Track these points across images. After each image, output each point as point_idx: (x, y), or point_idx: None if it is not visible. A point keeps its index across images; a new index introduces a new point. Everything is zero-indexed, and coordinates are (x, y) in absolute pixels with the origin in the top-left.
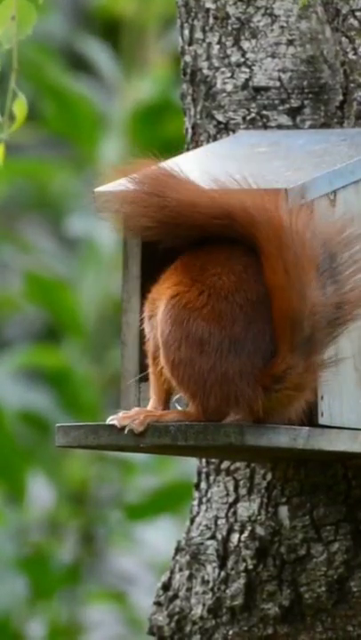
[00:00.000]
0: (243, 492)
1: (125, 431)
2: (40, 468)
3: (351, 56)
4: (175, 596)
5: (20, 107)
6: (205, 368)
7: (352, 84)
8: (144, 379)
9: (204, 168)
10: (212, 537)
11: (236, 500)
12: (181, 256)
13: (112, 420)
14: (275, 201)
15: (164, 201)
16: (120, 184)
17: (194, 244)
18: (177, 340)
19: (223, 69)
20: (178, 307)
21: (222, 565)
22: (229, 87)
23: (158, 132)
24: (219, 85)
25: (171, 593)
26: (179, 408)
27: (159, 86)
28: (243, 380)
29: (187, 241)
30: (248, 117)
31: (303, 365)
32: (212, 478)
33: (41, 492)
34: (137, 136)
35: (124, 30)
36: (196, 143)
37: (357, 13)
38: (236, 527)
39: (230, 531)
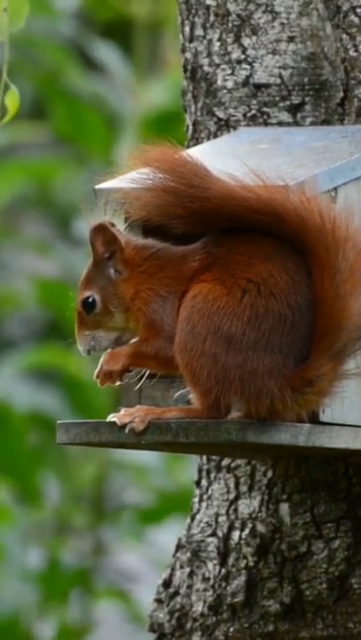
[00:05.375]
0: (243, 489)
1: (126, 430)
2: (50, 469)
3: (352, 53)
4: (176, 593)
5: (12, 99)
6: (230, 364)
7: (353, 81)
8: (145, 376)
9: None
10: (213, 534)
11: (237, 498)
12: (216, 242)
13: (113, 417)
14: (327, 206)
15: (205, 192)
16: (142, 174)
17: (219, 231)
18: (203, 334)
19: (224, 66)
20: (212, 303)
21: (223, 562)
22: (230, 84)
23: (170, 136)
24: (219, 82)
25: (171, 590)
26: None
27: (172, 91)
28: (271, 379)
29: (213, 230)
30: (249, 114)
31: (333, 374)
32: (212, 475)
33: (51, 493)
34: (147, 139)
35: (137, 31)
36: (196, 140)
37: (358, 10)
38: (237, 524)
39: (231, 528)
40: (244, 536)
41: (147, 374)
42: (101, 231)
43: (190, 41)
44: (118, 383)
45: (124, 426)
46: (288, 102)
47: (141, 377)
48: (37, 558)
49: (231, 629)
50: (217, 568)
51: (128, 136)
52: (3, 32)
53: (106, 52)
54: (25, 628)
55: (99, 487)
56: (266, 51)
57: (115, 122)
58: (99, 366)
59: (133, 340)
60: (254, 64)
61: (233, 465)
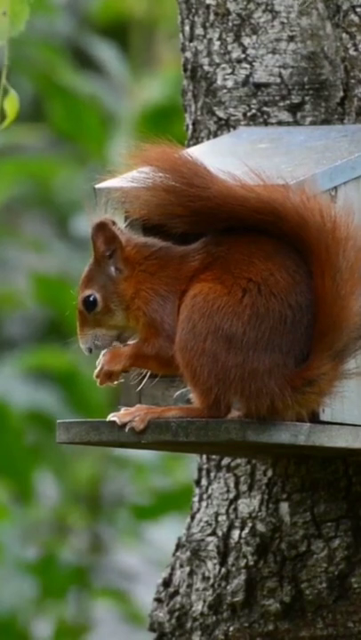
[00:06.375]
0: (243, 488)
1: (126, 429)
2: (48, 467)
3: (352, 52)
4: (176, 593)
5: (11, 103)
6: (230, 364)
7: (353, 81)
8: (146, 377)
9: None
10: (213, 533)
11: (237, 497)
12: (216, 242)
13: (113, 416)
14: (327, 205)
15: (205, 192)
16: (142, 172)
17: (218, 230)
18: (203, 333)
19: (224, 65)
20: (213, 302)
21: (223, 562)
22: (230, 83)
23: (166, 134)
24: (219, 82)
25: (171, 589)
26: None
27: (169, 88)
28: (271, 378)
29: (213, 229)
30: (249, 114)
31: (333, 373)
32: (212, 475)
33: (49, 492)
34: (145, 136)
35: (133, 30)
36: (196, 140)
37: (358, 9)
38: (237, 523)
39: (231, 527)
40: (243, 535)
41: (147, 375)
42: (102, 229)
43: (190, 40)
44: (116, 383)
45: (124, 425)
46: (288, 102)
47: (142, 378)
48: (35, 557)
49: (231, 629)
50: (217, 567)
51: (124, 134)
52: (2, 36)
53: (103, 50)
54: (22, 626)
55: (97, 485)
56: (266, 50)
57: (111, 120)
58: (99, 366)
59: (134, 341)
60: (254, 63)
61: (233, 464)
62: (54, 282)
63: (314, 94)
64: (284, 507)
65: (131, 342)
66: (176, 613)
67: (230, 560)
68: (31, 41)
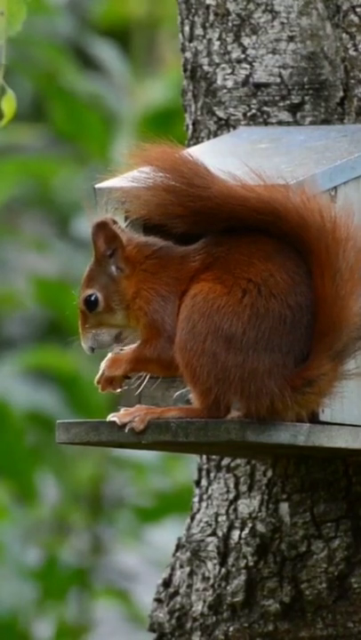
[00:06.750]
0: (243, 488)
1: (126, 429)
2: (49, 468)
3: (352, 52)
4: (176, 593)
5: (8, 103)
6: (230, 364)
7: (353, 81)
8: (146, 380)
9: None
10: (213, 534)
11: (237, 497)
12: (217, 242)
13: (113, 417)
14: (327, 205)
15: (205, 192)
16: (143, 172)
17: (219, 230)
18: (203, 333)
19: (224, 66)
20: (213, 302)
21: (223, 562)
22: (230, 83)
23: (168, 135)
24: (219, 82)
25: (171, 590)
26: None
27: (171, 90)
28: (271, 379)
29: (213, 229)
30: (249, 114)
31: (333, 374)
32: (212, 475)
33: (50, 492)
34: (146, 137)
35: (135, 31)
36: (196, 139)
37: (358, 9)
38: (237, 524)
39: (231, 527)
40: (243, 536)
41: (147, 378)
42: (103, 228)
43: (190, 40)
44: (119, 390)
45: (123, 425)
46: (288, 102)
47: (142, 381)
48: (36, 557)
49: (231, 629)
50: (217, 568)
51: (126, 135)
52: (0, 36)
53: (104, 51)
54: (23, 626)
55: (97, 486)
56: (266, 50)
57: (112, 120)
58: (100, 372)
59: (133, 345)
60: (254, 63)
61: (233, 464)
62: (54, 283)
63: (314, 94)
64: (284, 507)
65: (130, 346)
66: (176, 614)
67: (230, 560)
68: (33, 41)
